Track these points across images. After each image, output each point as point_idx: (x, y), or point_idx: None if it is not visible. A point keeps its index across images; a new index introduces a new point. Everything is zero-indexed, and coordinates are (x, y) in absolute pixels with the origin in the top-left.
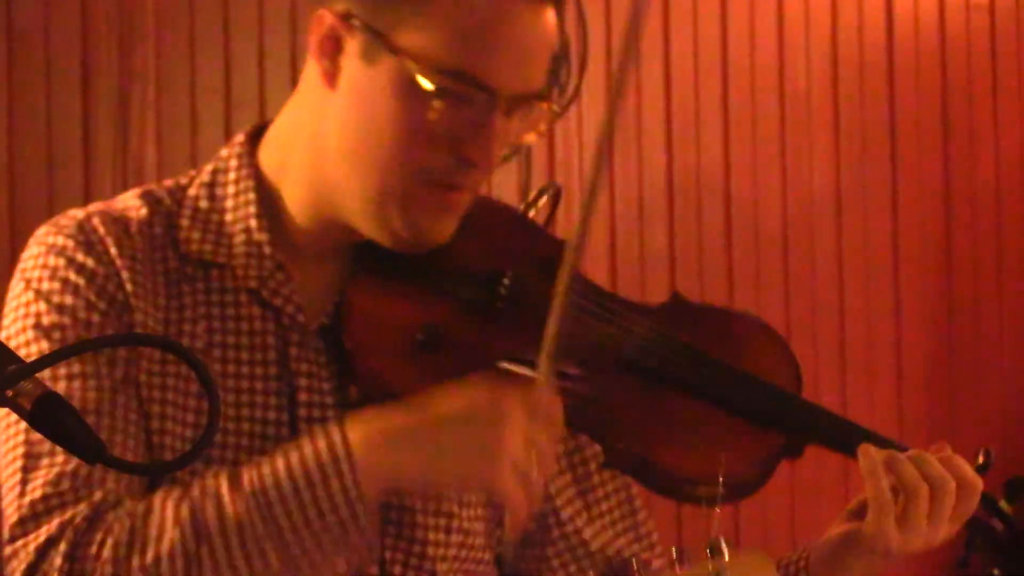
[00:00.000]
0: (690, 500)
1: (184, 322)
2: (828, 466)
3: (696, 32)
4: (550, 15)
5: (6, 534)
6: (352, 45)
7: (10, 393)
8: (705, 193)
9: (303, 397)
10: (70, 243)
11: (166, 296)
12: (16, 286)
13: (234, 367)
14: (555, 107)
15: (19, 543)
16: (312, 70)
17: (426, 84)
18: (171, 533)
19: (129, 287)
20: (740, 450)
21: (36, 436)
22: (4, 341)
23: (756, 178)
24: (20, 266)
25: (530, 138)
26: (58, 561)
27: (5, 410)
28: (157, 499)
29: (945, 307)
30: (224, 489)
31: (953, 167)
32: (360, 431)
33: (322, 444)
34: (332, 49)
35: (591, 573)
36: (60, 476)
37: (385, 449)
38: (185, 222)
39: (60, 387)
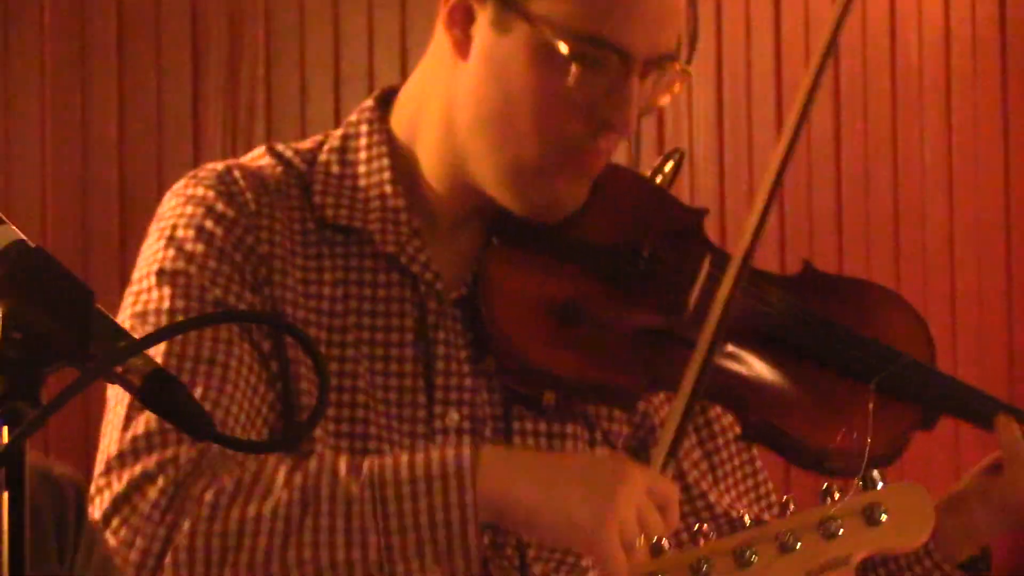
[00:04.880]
0: (824, 471)
1: (324, 284)
2: (939, 436)
3: (807, 7)
4: None
5: (100, 467)
6: (483, 15)
7: (120, 369)
8: (816, 171)
9: (440, 365)
10: (210, 193)
11: (304, 256)
12: (151, 237)
13: (368, 333)
14: (688, 68)
15: (112, 475)
16: (441, 39)
17: (563, 49)
18: (279, 494)
19: (267, 242)
20: (875, 422)
21: None
22: (130, 289)
23: (867, 155)
24: (157, 219)
25: (664, 100)
26: (153, 495)
27: None
28: (271, 460)
29: None
30: (342, 468)
31: None
32: (488, 454)
33: (450, 454)
34: (463, 19)
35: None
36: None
37: (505, 476)
38: (318, 187)
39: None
